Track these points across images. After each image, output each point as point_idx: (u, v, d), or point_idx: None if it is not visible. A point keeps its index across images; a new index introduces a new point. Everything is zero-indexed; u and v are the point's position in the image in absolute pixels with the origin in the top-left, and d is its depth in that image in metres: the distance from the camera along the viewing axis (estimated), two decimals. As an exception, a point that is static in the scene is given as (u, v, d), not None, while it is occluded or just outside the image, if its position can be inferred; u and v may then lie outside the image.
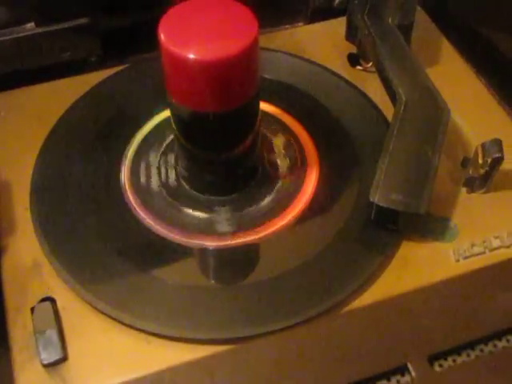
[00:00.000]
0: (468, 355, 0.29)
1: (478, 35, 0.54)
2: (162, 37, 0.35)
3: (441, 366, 0.29)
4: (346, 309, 0.37)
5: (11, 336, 0.37)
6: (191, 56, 0.34)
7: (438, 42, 0.53)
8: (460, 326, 0.30)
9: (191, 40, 0.35)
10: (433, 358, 0.29)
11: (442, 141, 0.42)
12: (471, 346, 0.29)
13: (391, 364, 0.29)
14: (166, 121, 0.47)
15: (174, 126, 0.41)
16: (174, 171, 0.44)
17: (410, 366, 0.29)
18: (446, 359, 0.29)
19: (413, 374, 0.28)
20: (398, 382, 0.29)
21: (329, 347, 0.33)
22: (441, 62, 0.52)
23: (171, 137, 0.46)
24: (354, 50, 0.52)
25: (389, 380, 0.29)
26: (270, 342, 0.36)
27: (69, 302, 0.38)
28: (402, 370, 0.29)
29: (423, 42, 0.52)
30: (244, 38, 0.35)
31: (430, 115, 0.43)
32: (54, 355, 0.36)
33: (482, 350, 0.30)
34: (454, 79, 0.50)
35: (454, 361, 0.29)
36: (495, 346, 0.30)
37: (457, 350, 0.29)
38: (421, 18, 0.53)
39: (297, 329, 0.36)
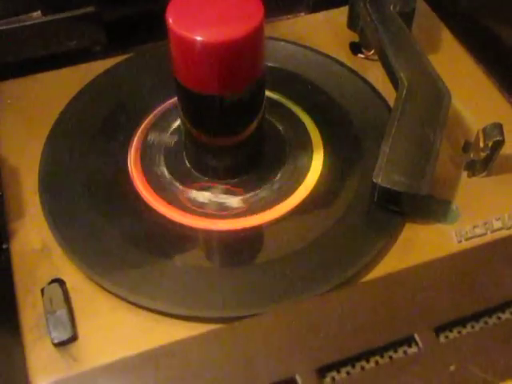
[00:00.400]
0: (473, 327, 0.30)
1: (477, 23, 0.54)
2: (170, 20, 0.36)
3: (447, 337, 0.30)
4: (350, 288, 0.38)
5: (22, 317, 0.38)
6: (198, 38, 0.35)
7: (437, 30, 0.54)
8: (464, 298, 0.31)
9: (198, 23, 0.35)
10: (439, 330, 0.30)
11: (444, 123, 0.42)
12: (476, 318, 0.30)
13: (398, 335, 0.29)
14: (171, 107, 0.48)
15: (180, 109, 0.41)
16: (180, 155, 0.45)
17: (416, 336, 0.29)
18: (451, 331, 0.30)
19: (420, 344, 0.29)
20: (405, 352, 0.29)
21: (334, 322, 0.33)
22: (441, 49, 0.52)
23: (177, 122, 0.46)
24: (355, 39, 0.53)
25: (396, 351, 0.29)
26: (279, 317, 0.36)
27: (78, 283, 0.39)
28: (409, 341, 0.29)
29: (423, 30, 0.53)
30: (250, 21, 0.35)
31: (432, 99, 0.44)
32: (65, 334, 0.36)
33: (486, 322, 0.30)
34: (454, 66, 0.51)
35: (460, 332, 0.30)
36: (499, 318, 0.30)
37: (462, 322, 0.30)
38: (420, 6, 0.54)
39: (305, 304, 0.37)
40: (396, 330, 0.30)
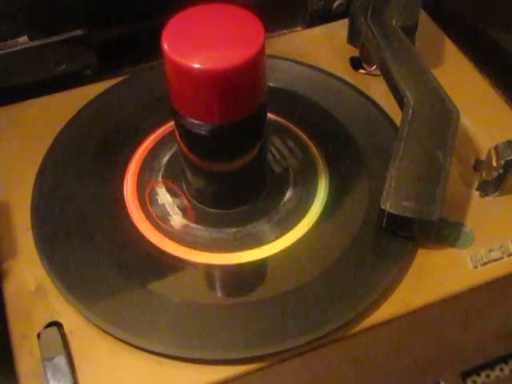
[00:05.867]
0: (501, 370, 0.28)
1: (479, 34, 0.53)
2: (166, 46, 0.34)
3: (474, 382, 0.28)
4: (363, 325, 0.36)
5: (18, 364, 0.36)
6: (196, 65, 0.33)
7: (440, 42, 0.52)
8: (490, 339, 0.29)
9: (196, 49, 0.34)
10: (465, 374, 0.28)
11: (453, 144, 0.41)
12: (504, 359, 0.28)
13: (423, 382, 0.27)
14: (168, 132, 0.46)
15: (178, 137, 0.39)
16: (179, 183, 0.43)
17: (442, 383, 0.27)
18: (478, 375, 0.28)
19: (446, 391, 0.27)
20: (431, 400, 0.27)
21: (348, 367, 0.32)
22: (445, 62, 0.51)
23: (174, 148, 0.44)
24: (355, 53, 0.51)
25: (421, 399, 0.28)
26: (286, 361, 0.34)
27: (76, 326, 0.37)
28: (435, 388, 0.28)
29: (426, 43, 0.51)
30: (251, 46, 0.34)
31: (440, 118, 0.42)
32: (64, 383, 0.34)
33: (515, 364, 0.28)
34: (460, 80, 0.49)
35: (488, 376, 0.28)
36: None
37: (490, 365, 0.28)
38: (422, 18, 0.52)
39: (311, 347, 0.35)
40: (419, 377, 0.28)
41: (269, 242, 0.40)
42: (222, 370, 0.35)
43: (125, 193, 0.42)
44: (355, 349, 0.35)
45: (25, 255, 0.40)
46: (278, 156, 0.44)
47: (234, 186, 0.42)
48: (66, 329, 0.37)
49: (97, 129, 0.46)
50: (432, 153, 0.40)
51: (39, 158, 0.44)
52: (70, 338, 0.36)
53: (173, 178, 0.43)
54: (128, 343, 0.36)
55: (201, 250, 0.40)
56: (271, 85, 0.47)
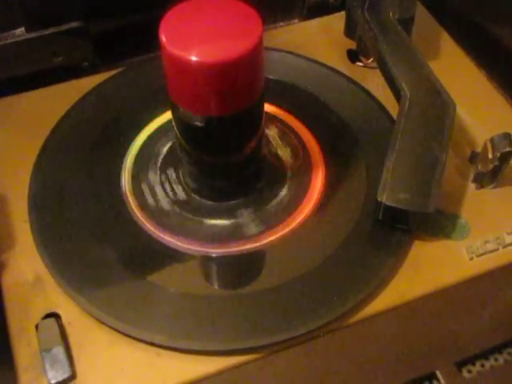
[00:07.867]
0: (496, 360, 0.28)
1: (476, 27, 0.53)
2: (163, 38, 0.34)
3: (469, 371, 0.28)
4: (360, 315, 0.37)
5: (16, 355, 0.36)
6: (193, 58, 0.33)
7: (437, 35, 0.52)
8: (485, 329, 0.29)
9: (193, 41, 0.33)
10: (461, 364, 0.28)
11: (449, 137, 0.41)
12: (499, 349, 0.28)
13: (419, 372, 0.28)
14: (165, 124, 0.46)
15: (175, 128, 0.39)
16: (177, 175, 0.43)
17: (438, 373, 0.28)
18: (474, 364, 0.28)
19: (442, 381, 0.27)
20: (427, 390, 0.28)
21: (345, 357, 0.32)
22: (442, 55, 0.51)
23: (172, 139, 0.44)
24: (352, 45, 0.51)
25: (417, 390, 0.28)
26: (284, 351, 0.35)
27: (74, 317, 0.37)
28: (431, 378, 0.28)
29: (423, 35, 0.51)
30: (248, 38, 0.33)
31: (436, 111, 0.42)
32: (62, 374, 0.35)
33: (510, 354, 0.29)
34: (456, 73, 0.49)
35: (483, 366, 0.28)
36: (524, 348, 0.29)
37: (484, 355, 0.28)
38: (418, 11, 0.52)
39: (309, 338, 0.35)
40: (415, 367, 0.28)
41: (265, 234, 0.40)
42: (220, 360, 0.35)
43: (122, 184, 0.43)
44: (352, 339, 0.35)
45: (22, 247, 0.40)
46: (274, 148, 0.44)
47: (231, 178, 0.42)
48: (64, 320, 0.37)
49: (94, 121, 0.46)
50: (428, 145, 0.40)
51: (36, 151, 0.44)
52: (68, 329, 0.37)
53: (170, 168, 0.43)
54: (126, 334, 0.36)
55: (198, 241, 0.40)
56: (268, 76, 0.47)
